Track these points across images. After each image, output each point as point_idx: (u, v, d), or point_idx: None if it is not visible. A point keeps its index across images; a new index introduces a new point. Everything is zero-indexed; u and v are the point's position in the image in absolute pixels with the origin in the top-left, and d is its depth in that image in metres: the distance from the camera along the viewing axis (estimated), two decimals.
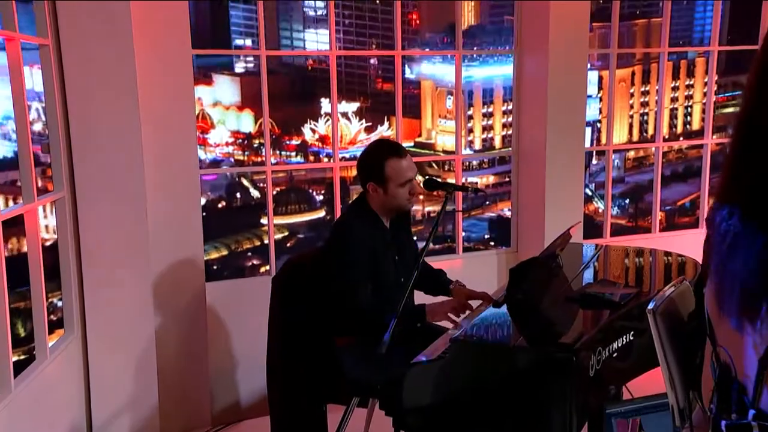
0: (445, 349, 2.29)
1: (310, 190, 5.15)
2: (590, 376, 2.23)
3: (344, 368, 2.79)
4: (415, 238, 3.10)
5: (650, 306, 1.74)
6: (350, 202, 3.14)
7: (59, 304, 3.41)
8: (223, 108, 4.26)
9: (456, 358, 2.23)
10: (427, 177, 2.89)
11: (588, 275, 3.08)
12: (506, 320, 2.51)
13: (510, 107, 4.68)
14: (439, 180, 2.90)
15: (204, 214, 4.19)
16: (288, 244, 4.82)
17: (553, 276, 2.83)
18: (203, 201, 4.32)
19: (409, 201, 2.81)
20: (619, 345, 2.42)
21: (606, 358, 2.32)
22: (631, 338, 2.47)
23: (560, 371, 2.13)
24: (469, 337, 2.40)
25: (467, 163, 5.49)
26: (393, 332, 2.33)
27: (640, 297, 2.62)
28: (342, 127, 7.97)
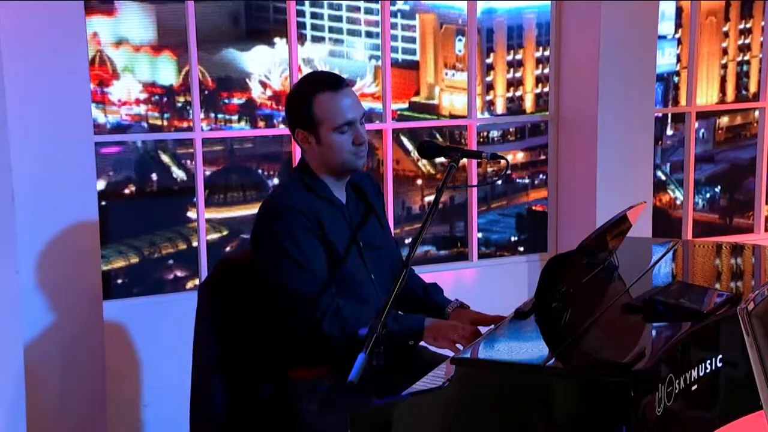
0: (448, 377, 2.28)
1: (260, 170, 5.11)
2: (657, 414, 2.22)
3: (301, 414, 2.78)
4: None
5: (742, 305, 1.74)
6: None
7: None
8: (132, 49, 4.22)
9: (461, 385, 2.22)
10: (423, 141, 2.89)
11: (657, 278, 3.10)
12: (535, 336, 2.52)
13: (547, 53, 4.70)
14: (442, 144, 2.91)
15: (103, 203, 4.17)
16: (227, 248, 4.81)
17: (603, 277, 2.85)
18: (102, 184, 4.29)
19: (354, 155, 2.79)
20: (701, 374, 2.43)
21: (681, 392, 2.32)
22: (719, 365, 2.49)
23: (612, 405, 2.12)
24: (480, 356, 2.40)
25: (485, 133, 5.48)
26: (370, 354, 2.31)
27: (733, 306, 2.61)
28: None
